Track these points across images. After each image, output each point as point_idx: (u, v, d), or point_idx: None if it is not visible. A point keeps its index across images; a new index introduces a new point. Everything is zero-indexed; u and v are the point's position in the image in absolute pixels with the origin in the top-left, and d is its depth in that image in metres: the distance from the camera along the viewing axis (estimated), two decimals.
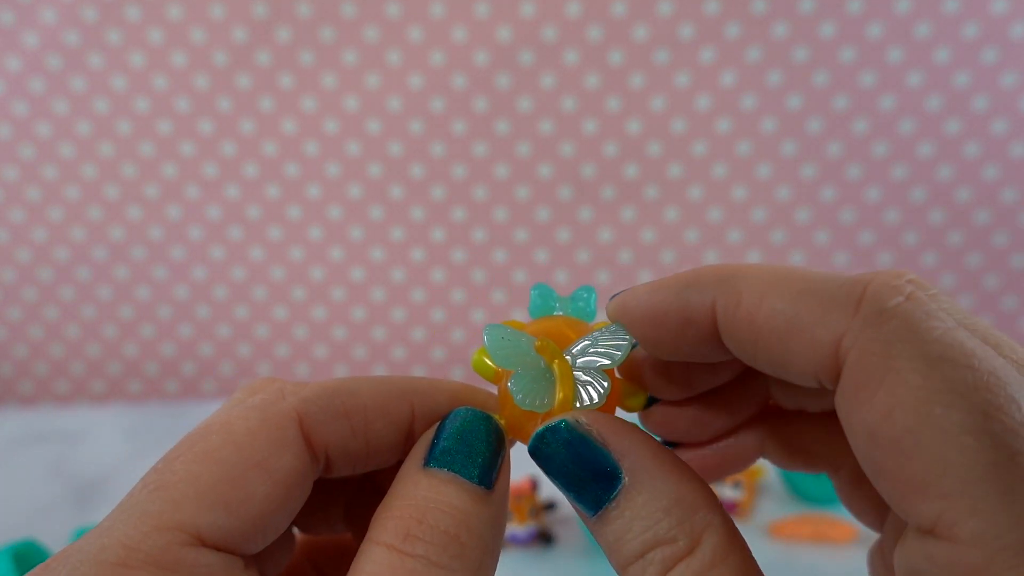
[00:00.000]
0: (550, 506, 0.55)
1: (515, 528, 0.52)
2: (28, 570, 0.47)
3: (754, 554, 0.17)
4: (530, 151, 0.71)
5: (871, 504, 0.20)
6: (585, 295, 0.21)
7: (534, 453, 0.18)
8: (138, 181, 0.73)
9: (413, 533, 0.16)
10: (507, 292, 0.76)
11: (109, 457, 0.68)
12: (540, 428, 0.18)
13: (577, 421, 0.18)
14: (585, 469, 0.17)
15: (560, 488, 0.18)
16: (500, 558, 0.18)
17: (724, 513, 0.17)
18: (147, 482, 0.16)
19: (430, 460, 0.18)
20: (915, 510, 0.13)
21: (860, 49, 0.67)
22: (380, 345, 0.78)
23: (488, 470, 0.18)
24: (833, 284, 0.15)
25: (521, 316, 0.66)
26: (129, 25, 0.69)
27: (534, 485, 0.53)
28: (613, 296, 0.19)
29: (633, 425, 0.18)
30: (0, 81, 0.70)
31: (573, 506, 0.18)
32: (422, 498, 0.17)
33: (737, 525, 0.17)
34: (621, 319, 0.19)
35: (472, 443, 0.18)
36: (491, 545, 0.17)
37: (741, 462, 0.21)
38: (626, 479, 0.17)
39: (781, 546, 0.51)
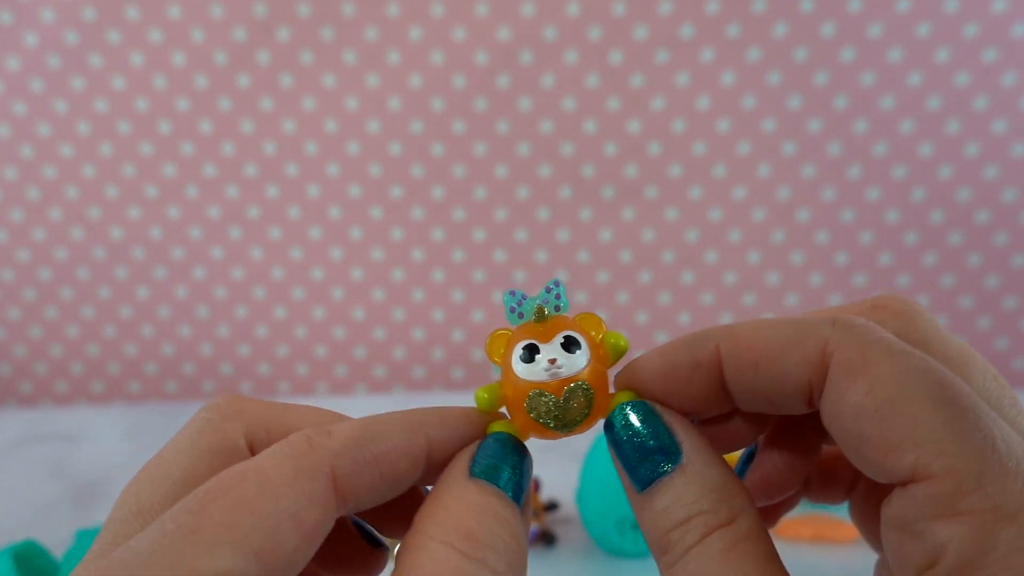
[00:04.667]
0: (552, 506, 0.55)
1: None
2: (29, 571, 0.47)
3: None
4: (530, 151, 0.71)
5: (877, 525, 0.23)
6: (556, 288, 0.22)
7: (611, 425, 0.20)
8: (138, 181, 0.73)
9: (475, 535, 0.18)
10: None
11: (109, 457, 0.68)
12: (621, 404, 0.20)
13: (653, 404, 0.20)
14: (652, 443, 0.20)
15: (622, 461, 0.20)
16: None
17: (756, 509, 0.19)
18: (181, 523, 0.16)
19: (476, 472, 0.19)
20: (897, 464, 0.17)
21: (860, 49, 0.67)
22: (380, 345, 0.78)
23: (522, 491, 0.20)
24: (808, 318, 0.19)
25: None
26: (129, 25, 0.68)
27: (536, 486, 0.53)
28: (619, 371, 0.22)
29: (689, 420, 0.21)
30: (0, 81, 0.70)
31: (625, 479, 0.20)
32: (476, 503, 0.19)
33: None
34: (632, 382, 0.21)
35: (512, 464, 0.20)
36: (526, 563, 0.19)
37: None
38: (684, 459, 0.19)
39: (782, 546, 0.51)
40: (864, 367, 0.18)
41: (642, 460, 0.19)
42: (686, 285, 0.75)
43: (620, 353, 0.21)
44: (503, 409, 0.22)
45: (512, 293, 0.22)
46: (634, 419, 0.20)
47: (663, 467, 0.19)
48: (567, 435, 0.21)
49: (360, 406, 0.22)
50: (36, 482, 0.64)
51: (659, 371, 0.21)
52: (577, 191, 0.72)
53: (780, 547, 0.20)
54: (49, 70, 0.70)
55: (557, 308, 0.22)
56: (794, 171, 0.71)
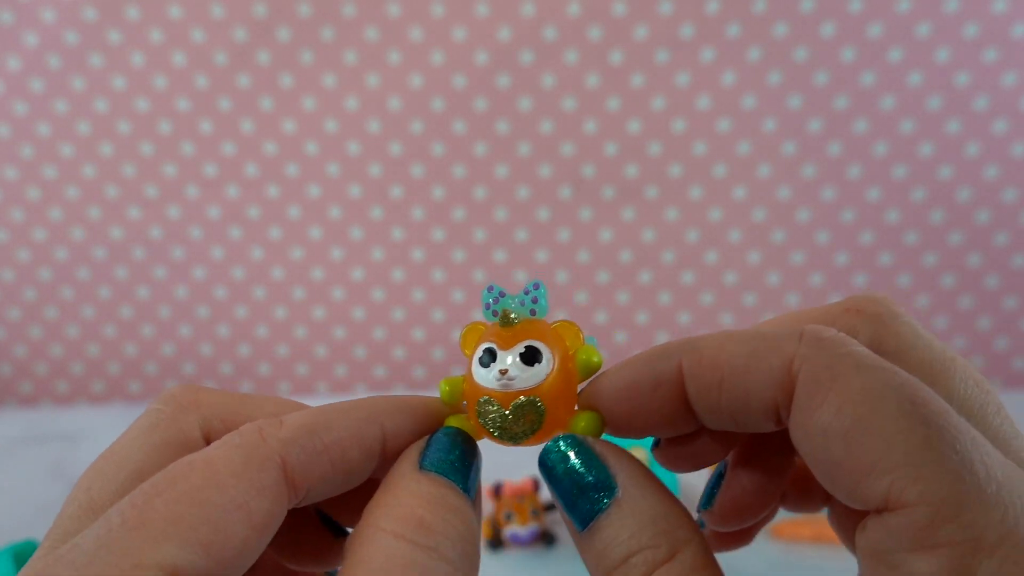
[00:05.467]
0: (552, 506, 0.55)
1: (517, 528, 0.52)
2: None
3: (755, 556, 0.18)
4: (530, 151, 0.71)
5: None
6: (535, 291, 0.21)
7: (544, 459, 0.19)
8: (138, 181, 0.73)
9: (427, 523, 0.17)
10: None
11: None
12: (556, 438, 0.19)
13: (583, 437, 0.19)
14: (585, 479, 0.19)
15: (557, 498, 0.19)
16: (502, 558, 0.19)
17: (702, 536, 0.18)
18: (126, 517, 0.16)
19: (426, 465, 0.19)
20: (869, 491, 0.16)
21: (860, 49, 0.67)
22: (380, 345, 0.78)
23: (473, 484, 0.19)
24: (775, 331, 0.18)
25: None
26: (129, 25, 0.69)
27: (536, 486, 0.53)
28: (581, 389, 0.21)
29: (625, 449, 0.20)
30: (0, 81, 0.70)
31: (565, 519, 0.19)
32: (428, 494, 0.18)
33: None
34: (593, 400, 0.20)
35: (462, 458, 0.19)
36: (479, 553, 0.18)
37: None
38: (619, 492, 0.18)
39: (782, 547, 0.52)
40: (832, 384, 0.16)
41: (579, 496, 0.18)
42: (686, 285, 0.75)
43: (591, 370, 0.20)
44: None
45: (490, 289, 0.21)
46: (570, 454, 0.19)
47: (600, 502, 0.18)
48: (516, 446, 0.20)
49: None
50: (36, 482, 0.64)
51: (620, 389, 0.20)
52: (577, 191, 0.72)
53: (780, 547, 0.19)
54: (49, 70, 0.70)
55: (533, 312, 0.21)
56: (794, 171, 0.71)
